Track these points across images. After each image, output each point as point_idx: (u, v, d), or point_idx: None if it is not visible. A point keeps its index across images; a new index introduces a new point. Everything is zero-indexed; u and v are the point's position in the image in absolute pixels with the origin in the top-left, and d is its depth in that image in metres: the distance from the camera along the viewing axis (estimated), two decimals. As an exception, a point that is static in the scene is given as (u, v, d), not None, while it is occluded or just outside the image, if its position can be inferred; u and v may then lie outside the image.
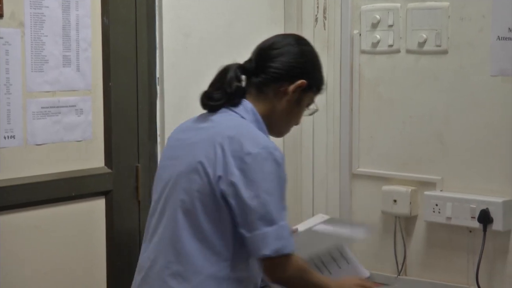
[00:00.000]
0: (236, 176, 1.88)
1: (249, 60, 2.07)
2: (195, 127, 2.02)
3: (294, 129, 3.01)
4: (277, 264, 1.90)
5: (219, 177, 1.90)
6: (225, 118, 2.00)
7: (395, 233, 2.81)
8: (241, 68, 2.05)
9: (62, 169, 2.44)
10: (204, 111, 2.05)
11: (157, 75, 2.66)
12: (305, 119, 3.01)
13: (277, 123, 2.06)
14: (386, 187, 2.81)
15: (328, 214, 2.95)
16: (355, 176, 2.93)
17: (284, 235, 1.88)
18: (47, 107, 2.39)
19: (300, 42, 2.08)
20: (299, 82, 2.01)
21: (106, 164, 2.55)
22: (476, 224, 2.59)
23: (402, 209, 2.76)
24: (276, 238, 1.87)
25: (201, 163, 1.92)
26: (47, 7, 2.37)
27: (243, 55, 2.89)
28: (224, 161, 1.90)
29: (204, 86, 2.78)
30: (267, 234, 1.87)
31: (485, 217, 2.57)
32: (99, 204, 2.54)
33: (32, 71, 2.35)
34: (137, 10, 2.58)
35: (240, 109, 2.01)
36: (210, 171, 1.91)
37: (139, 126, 2.61)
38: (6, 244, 2.30)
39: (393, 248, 2.82)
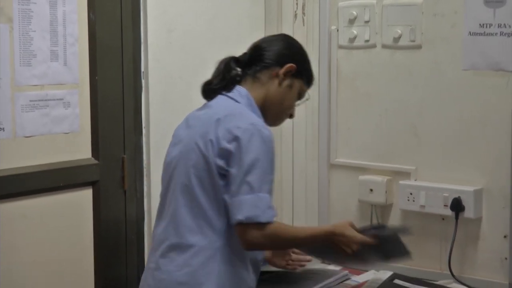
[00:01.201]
0: (225, 147, 1.97)
1: (244, 54, 2.19)
2: (195, 114, 2.13)
3: (274, 121, 3.05)
4: (248, 231, 1.93)
5: (211, 150, 1.98)
6: (220, 102, 2.10)
7: (371, 221, 2.81)
8: (236, 59, 2.16)
9: (50, 160, 2.43)
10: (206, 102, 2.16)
11: (142, 69, 2.66)
12: (285, 112, 3.04)
13: (271, 107, 2.14)
14: (362, 177, 2.83)
15: (307, 202, 2.98)
16: (333, 166, 2.94)
17: (260, 205, 1.93)
18: (35, 100, 2.38)
19: (289, 38, 2.26)
20: (289, 65, 2.12)
21: (93, 155, 2.54)
22: (448, 212, 2.60)
23: (378, 197, 2.77)
24: (252, 206, 1.92)
25: (196, 142, 2.02)
26: (35, 3, 2.36)
27: (225, 50, 2.91)
28: (216, 136, 1.99)
29: (188, 79, 2.80)
30: (243, 200, 1.93)
31: (457, 205, 2.58)
32: (86, 194, 2.54)
33: (20, 65, 2.34)
34: (123, 6, 2.58)
35: (234, 94, 2.11)
36: (204, 147, 2.00)
37: (124, 119, 2.61)
38: (-5, 233, 2.30)
39: (370, 235, 2.84)
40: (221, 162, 1.97)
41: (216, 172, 1.98)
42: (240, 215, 1.93)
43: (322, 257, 2.44)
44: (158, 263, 2.06)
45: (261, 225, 1.93)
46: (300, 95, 2.20)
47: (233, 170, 1.96)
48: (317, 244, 2.12)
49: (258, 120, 2.03)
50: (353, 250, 2.06)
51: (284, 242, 2.03)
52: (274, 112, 2.16)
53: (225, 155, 1.97)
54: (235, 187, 1.95)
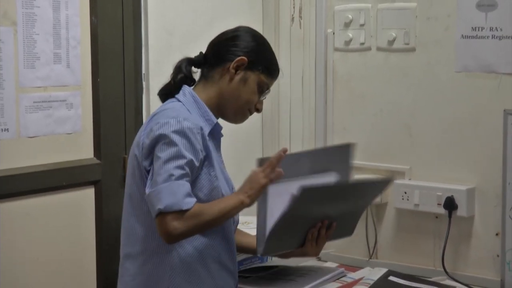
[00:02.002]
0: (147, 145, 1.92)
1: (199, 53, 2.10)
2: None
3: (272, 122, 3.08)
4: (169, 221, 1.84)
5: (141, 154, 1.93)
6: (161, 105, 2.04)
7: (366, 219, 2.82)
8: (189, 60, 2.08)
9: (54, 160, 2.45)
10: None
11: (143, 71, 2.68)
12: (283, 113, 3.06)
13: (227, 104, 2.04)
14: (358, 176, 2.81)
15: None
16: (329, 166, 2.95)
17: (177, 191, 1.85)
18: (39, 102, 2.40)
19: (246, 30, 2.10)
20: (239, 58, 2.02)
21: (95, 155, 2.56)
22: (442, 211, 2.61)
23: (373, 196, 2.78)
24: (169, 193, 1.84)
25: (133, 150, 1.99)
26: (38, 7, 2.38)
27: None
28: (142, 137, 1.94)
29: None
30: (160, 189, 1.85)
31: (450, 204, 2.59)
32: (88, 193, 2.56)
33: (24, 68, 2.36)
34: (124, 10, 2.60)
35: (179, 94, 2.04)
36: (137, 152, 1.95)
37: (126, 119, 2.62)
38: (0, 231, 2.31)
39: (365, 233, 2.84)
40: (146, 163, 1.92)
41: (145, 176, 1.93)
42: (159, 205, 1.84)
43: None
44: (119, 274, 2.05)
45: (180, 213, 1.84)
46: (261, 88, 2.05)
47: (153, 163, 1.89)
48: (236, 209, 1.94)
49: (181, 113, 1.93)
50: (267, 175, 1.91)
51: (207, 219, 1.89)
52: (232, 108, 2.04)
53: (148, 153, 1.91)
54: (154, 178, 1.87)
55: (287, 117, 3.06)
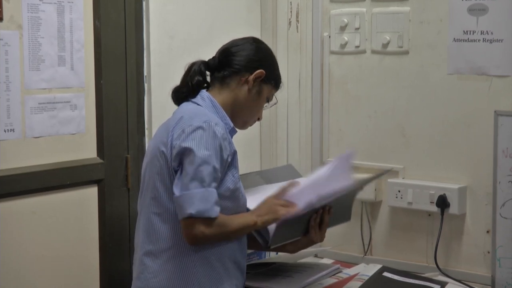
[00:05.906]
0: (178, 145, 1.92)
1: (213, 58, 2.12)
2: (162, 124, 2.09)
3: (270, 123, 3.08)
4: (197, 226, 1.88)
5: (170, 154, 1.93)
6: (182, 107, 2.05)
7: (361, 217, 2.83)
8: (205, 64, 2.10)
9: (58, 160, 2.44)
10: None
11: (145, 73, 2.67)
12: (280, 115, 3.06)
13: (240, 112, 2.08)
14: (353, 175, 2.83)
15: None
16: (326, 166, 2.95)
17: (209, 199, 1.88)
18: (43, 103, 2.40)
19: (257, 41, 2.16)
20: (259, 71, 2.06)
21: (98, 155, 2.56)
22: (434, 209, 2.62)
23: (368, 195, 2.77)
24: (201, 200, 1.87)
25: (158, 148, 1.98)
26: (43, 11, 2.37)
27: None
28: (172, 138, 1.94)
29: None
30: (194, 194, 1.87)
31: (442, 202, 2.59)
32: (92, 192, 2.55)
33: (29, 70, 2.35)
34: (126, 14, 2.59)
35: (197, 98, 2.06)
36: (166, 151, 1.95)
37: (128, 120, 2.62)
38: (6, 228, 2.31)
39: (360, 231, 2.85)
40: (175, 164, 1.93)
41: (174, 176, 1.94)
42: (191, 209, 1.86)
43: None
44: (137, 272, 2.03)
45: (209, 220, 1.88)
46: (268, 99, 2.13)
47: (186, 165, 1.90)
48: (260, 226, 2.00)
49: (213, 118, 1.96)
50: (286, 210, 1.98)
51: (228, 230, 1.94)
52: (244, 116, 2.10)
53: (179, 153, 1.92)
54: (187, 182, 1.88)
55: (285, 119, 3.05)
